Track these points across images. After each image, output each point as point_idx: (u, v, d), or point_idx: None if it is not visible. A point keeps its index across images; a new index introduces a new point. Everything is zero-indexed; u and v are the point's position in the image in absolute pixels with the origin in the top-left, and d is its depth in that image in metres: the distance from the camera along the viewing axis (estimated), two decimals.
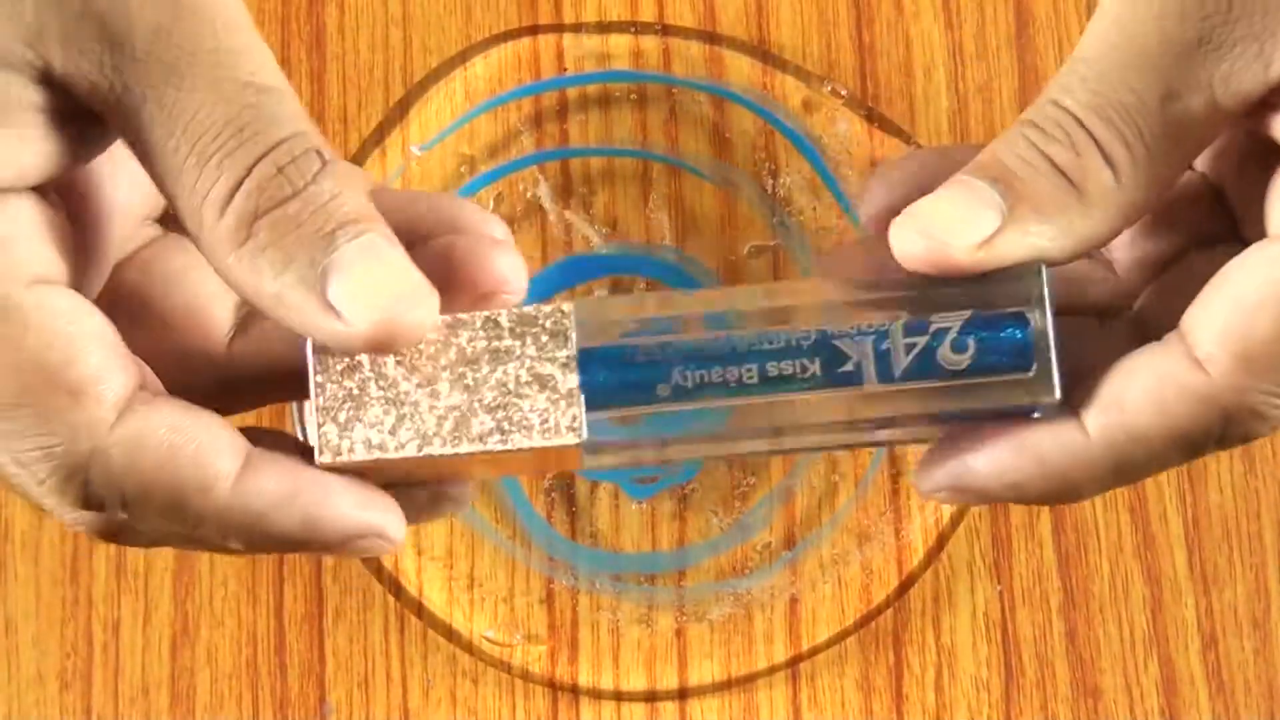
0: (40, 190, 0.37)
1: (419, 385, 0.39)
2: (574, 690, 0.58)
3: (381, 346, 0.37)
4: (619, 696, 0.58)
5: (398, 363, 0.39)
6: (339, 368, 0.39)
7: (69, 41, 0.36)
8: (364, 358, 0.39)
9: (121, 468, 0.37)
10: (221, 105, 0.36)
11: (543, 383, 0.39)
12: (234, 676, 0.59)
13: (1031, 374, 0.38)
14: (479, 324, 0.39)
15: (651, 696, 0.58)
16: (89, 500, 0.37)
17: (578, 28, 0.61)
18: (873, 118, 0.60)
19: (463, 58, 0.61)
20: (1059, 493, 0.39)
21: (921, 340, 0.38)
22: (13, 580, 0.59)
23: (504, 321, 0.39)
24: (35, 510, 0.59)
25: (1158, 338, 0.39)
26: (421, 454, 0.39)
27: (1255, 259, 0.38)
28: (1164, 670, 0.59)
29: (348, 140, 0.61)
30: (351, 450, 0.39)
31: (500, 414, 0.39)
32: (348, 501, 0.38)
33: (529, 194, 0.61)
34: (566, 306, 0.39)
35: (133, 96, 0.36)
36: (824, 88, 0.61)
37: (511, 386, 0.39)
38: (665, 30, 0.61)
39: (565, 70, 0.61)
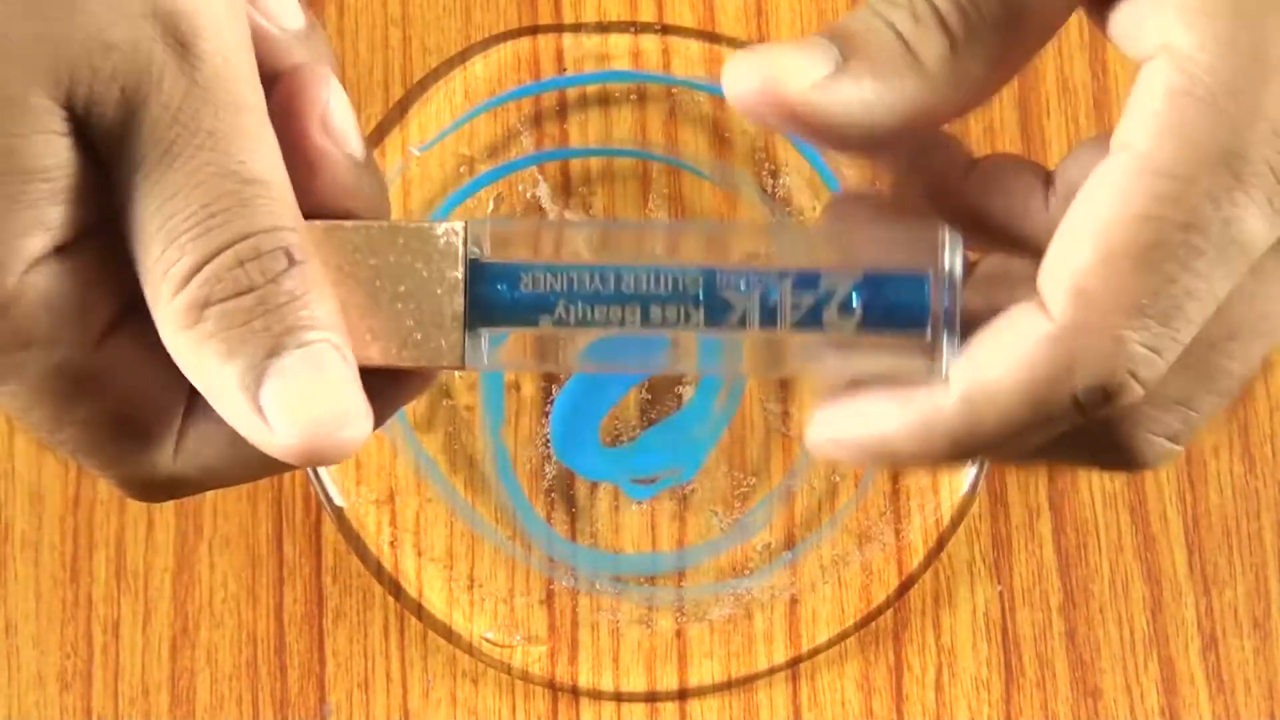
0: None
1: None
2: (574, 691, 0.58)
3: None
4: (619, 697, 0.58)
5: None
6: None
7: (96, 90, 0.36)
8: None
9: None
10: (200, 190, 0.36)
11: (429, 302, 0.38)
12: (234, 677, 0.59)
13: (927, 338, 0.38)
14: (375, 234, 0.38)
15: (652, 697, 0.58)
16: None
17: (577, 28, 0.61)
18: None
19: (462, 58, 0.61)
20: (921, 453, 0.38)
21: (810, 297, 0.38)
22: (13, 581, 0.59)
23: (400, 237, 0.38)
24: (36, 511, 0.59)
25: None
26: None
27: (1087, 187, 0.36)
28: (1164, 670, 0.59)
29: None
30: None
31: (385, 331, 0.38)
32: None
33: (529, 194, 0.61)
34: (458, 225, 0.39)
35: (129, 163, 0.36)
36: None
37: (399, 305, 0.38)
38: (665, 30, 0.61)
39: (565, 70, 0.61)
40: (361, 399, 0.37)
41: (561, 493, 0.60)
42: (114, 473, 0.39)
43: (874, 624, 0.58)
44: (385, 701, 0.58)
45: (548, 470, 0.60)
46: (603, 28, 0.61)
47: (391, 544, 0.58)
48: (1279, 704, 0.59)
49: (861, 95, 0.37)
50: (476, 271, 0.39)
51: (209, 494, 0.59)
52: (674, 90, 0.61)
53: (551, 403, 0.60)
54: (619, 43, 0.61)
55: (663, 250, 0.39)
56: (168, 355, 0.37)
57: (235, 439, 0.37)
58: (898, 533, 0.59)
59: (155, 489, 0.40)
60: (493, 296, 0.39)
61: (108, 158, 0.37)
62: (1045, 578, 0.59)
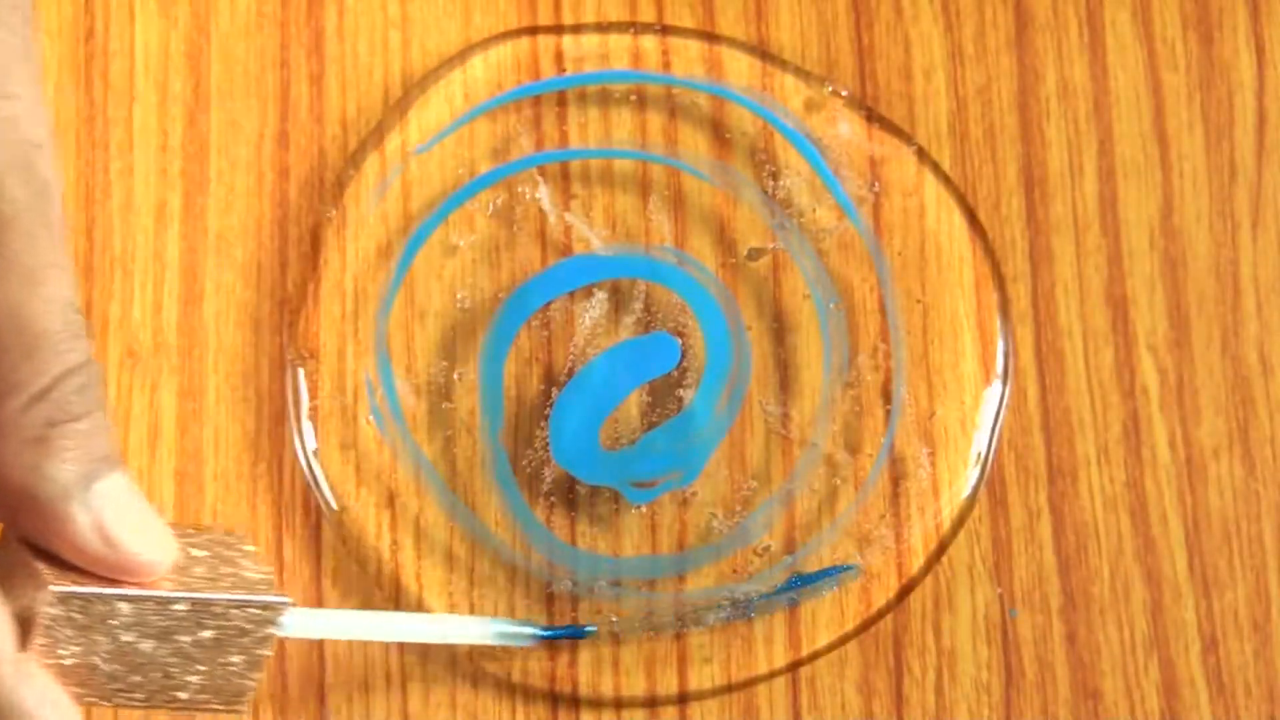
0: None
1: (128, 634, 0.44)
2: (574, 696, 0.58)
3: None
4: (619, 702, 0.58)
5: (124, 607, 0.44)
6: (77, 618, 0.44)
7: None
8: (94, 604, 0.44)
9: None
10: (42, 318, 0.41)
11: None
12: None
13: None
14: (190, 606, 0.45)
15: (651, 702, 0.58)
16: None
17: (577, 28, 0.61)
18: (874, 118, 0.60)
19: (461, 59, 0.60)
20: None
21: None
22: None
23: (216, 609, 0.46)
24: None
25: None
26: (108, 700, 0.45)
27: None
28: (1164, 673, 0.59)
29: (347, 142, 0.61)
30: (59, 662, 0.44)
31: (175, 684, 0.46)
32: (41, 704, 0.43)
33: (528, 196, 0.61)
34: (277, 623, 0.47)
35: None
36: (824, 88, 0.61)
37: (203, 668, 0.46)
38: (664, 30, 0.61)
39: (564, 71, 0.61)
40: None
41: (561, 496, 0.59)
42: None
43: (874, 627, 0.58)
44: (385, 705, 0.58)
45: (547, 474, 0.59)
46: (602, 28, 0.61)
47: (391, 548, 0.58)
48: None
49: None
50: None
51: (208, 494, 0.59)
52: (674, 91, 0.61)
53: (551, 406, 0.60)
54: (618, 43, 0.61)
55: None
56: None
57: None
58: (898, 536, 0.59)
59: None
60: None
61: None
62: (1045, 580, 0.59)
